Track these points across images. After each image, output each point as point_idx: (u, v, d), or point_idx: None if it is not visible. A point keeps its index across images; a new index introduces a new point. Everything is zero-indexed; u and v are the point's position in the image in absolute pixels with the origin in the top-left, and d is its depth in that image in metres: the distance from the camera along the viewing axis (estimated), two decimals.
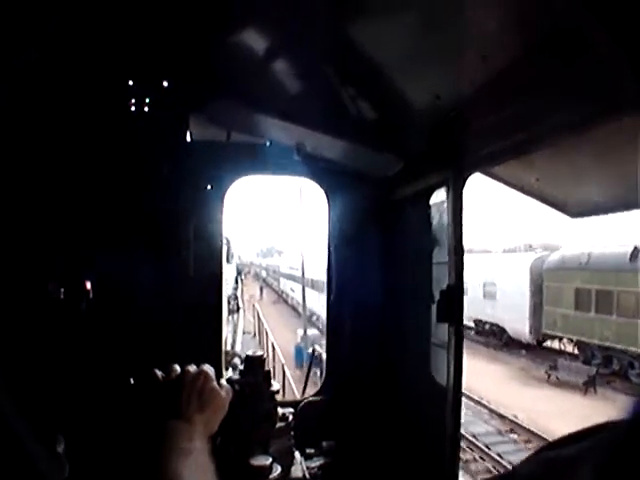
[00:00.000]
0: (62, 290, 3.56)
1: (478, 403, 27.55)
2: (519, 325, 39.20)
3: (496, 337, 42.51)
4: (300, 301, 50.97)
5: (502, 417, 26.10)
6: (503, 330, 41.50)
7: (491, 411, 26.98)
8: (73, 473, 2.69)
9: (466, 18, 2.34)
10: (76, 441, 2.88)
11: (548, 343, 39.77)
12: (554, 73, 2.14)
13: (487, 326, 43.11)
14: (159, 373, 2.02)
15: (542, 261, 38.74)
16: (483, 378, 29.38)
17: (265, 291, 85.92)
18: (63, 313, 3.56)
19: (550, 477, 0.86)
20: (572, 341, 36.66)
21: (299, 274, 49.59)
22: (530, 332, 38.51)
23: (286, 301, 72.85)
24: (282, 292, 79.22)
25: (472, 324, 43.64)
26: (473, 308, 39.00)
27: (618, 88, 1.66)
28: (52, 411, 3.16)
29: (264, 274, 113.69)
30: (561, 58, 2.00)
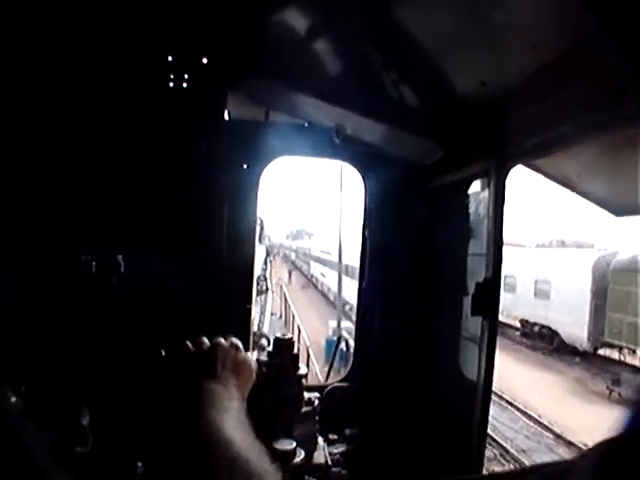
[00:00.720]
0: (94, 263, 3.57)
1: (539, 423, 23.58)
2: (575, 330, 33.45)
3: (545, 341, 37.08)
4: (331, 287, 49.02)
5: (570, 444, 21.27)
6: (555, 334, 36.02)
7: (557, 436, 22.42)
8: (97, 445, 2.71)
9: (518, 5, 2.26)
10: (101, 414, 2.90)
11: (602, 351, 33.85)
12: (604, 66, 2.06)
13: (536, 328, 37.64)
14: (190, 344, 2.09)
15: (607, 260, 33.01)
16: (539, 390, 26.74)
17: (294, 274, 79.73)
18: (94, 286, 3.57)
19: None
20: (634, 352, 31.10)
21: (331, 258, 47.76)
22: (588, 339, 32.84)
23: (316, 286, 67.81)
24: (312, 276, 74.01)
25: (518, 324, 39.49)
26: (521, 307, 36.61)
27: None
28: (78, 384, 3.18)
29: (293, 256, 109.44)
30: (612, 50, 1.92)
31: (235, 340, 2.22)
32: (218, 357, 1.98)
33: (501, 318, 34.10)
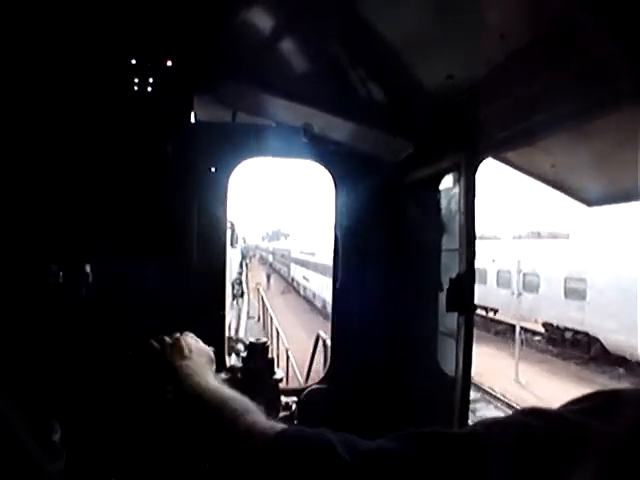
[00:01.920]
0: (61, 274, 3.49)
1: None
2: (622, 336, 26.72)
3: (579, 348, 31.16)
4: (317, 292, 44.56)
5: None
6: (593, 340, 29.99)
7: None
8: (70, 461, 2.65)
9: None
10: (73, 429, 2.83)
11: None
12: (574, 54, 2.05)
13: (568, 334, 31.75)
14: (154, 342, 2.58)
15: None
16: None
17: (273, 278, 72.60)
18: (62, 297, 3.49)
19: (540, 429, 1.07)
20: None
21: (316, 260, 45.08)
22: None
23: (298, 291, 60.92)
24: (293, 280, 67.08)
25: (541, 329, 34.45)
26: (546, 309, 31.82)
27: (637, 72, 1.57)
28: (48, 399, 3.10)
29: (271, 259, 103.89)
30: (581, 38, 1.91)
31: (190, 333, 2.74)
32: (184, 345, 2.46)
33: (520, 322, 31.31)
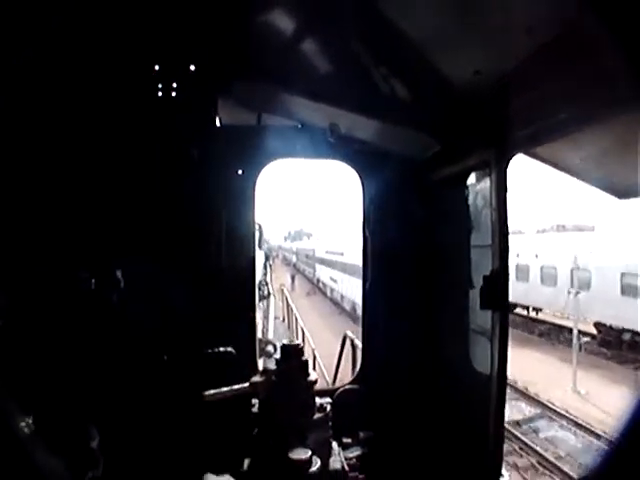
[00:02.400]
0: (93, 280, 3.52)
1: None
2: None
3: (637, 351, 27.11)
4: (346, 294, 41.45)
5: None
6: None
7: None
8: (108, 467, 2.67)
9: None
10: (111, 435, 2.85)
11: None
12: (602, 47, 2.01)
13: (627, 335, 27.77)
14: None
15: None
16: None
17: (297, 279, 66.62)
18: (94, 303, 3.51)
19: None
20: None
21: (344, 259, 42.25)
22: None
23: (324, 293, 55.53)
24: (318, 281, 62.02)
25: (592, 329, 30.08)
26: (600, 308, 27.53)
27: None
28: (86, 406, 3.12)
29: (294, 259, 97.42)
30: (610, 30, 1.87)
31: None
32: None
33: (564, 322, 30.17)
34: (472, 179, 3.57)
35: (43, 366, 3.07)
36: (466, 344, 3.65)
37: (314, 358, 11.80)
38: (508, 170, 2.96)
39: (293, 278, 63.62)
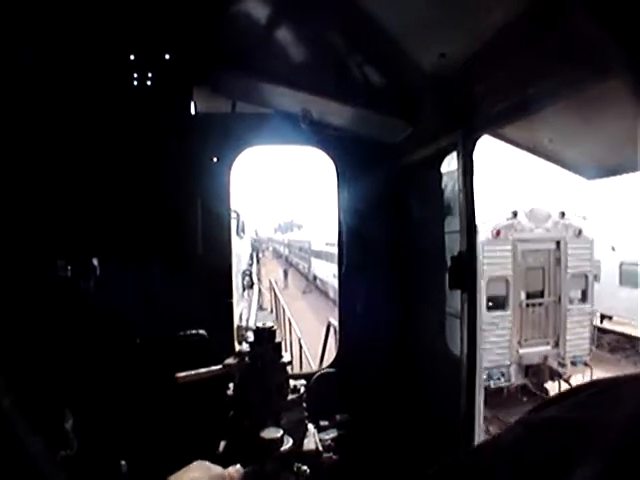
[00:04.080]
0: (69, 267, 3.55)
1: None
2: None
3: None
4: None
5: None
6: None
7: None
8: (82, 448, 2.70)
9: None
10: (84, 416, 2.88)
11: None
12: (562, 24, 2.04)
13: None
14: None
15: None
16: None
17: (290, 274, 59.14)
18: (71, 290, 3.55)
19: (531, 439, 0.94)
20: None
21: None
22: None
23: (324, 292, 44.46)
24: (315, 278, 52.07)
25: None
26: None
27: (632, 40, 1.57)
28: (59, 389, 3.16)
29: (286, 252, 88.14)
30: (570, 7, 1.91)
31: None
32: None
33: (625, 329, 24.71)
34: (445, 166, 3.62)
35: (18, 350, 3.10)
36: (441, 326, 3.70)
37: (300, 347, 11.83)
38: (475, 152, 3.01)
39: (286, 273, 57.48)
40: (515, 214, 16.52)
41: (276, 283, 30.44)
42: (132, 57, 3.59)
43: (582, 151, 3.42)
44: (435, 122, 3.34)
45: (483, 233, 15.73)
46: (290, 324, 14.70)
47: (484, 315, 15.15)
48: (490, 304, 16.09)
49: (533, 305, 17.01)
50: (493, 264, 15.92)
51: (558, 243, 17.01)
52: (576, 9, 1.89)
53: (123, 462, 2.97)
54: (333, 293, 37.80)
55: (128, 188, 3.77)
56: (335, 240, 4.46)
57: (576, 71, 2.14)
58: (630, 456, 0.77)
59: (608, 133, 2.99)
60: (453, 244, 3.39)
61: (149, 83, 3.71)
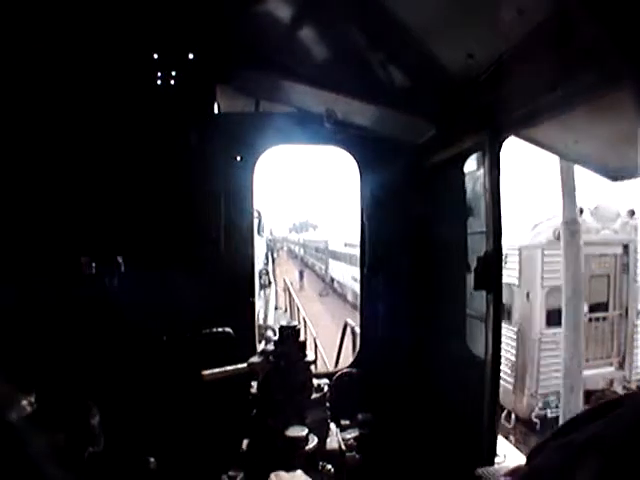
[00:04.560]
0: (94, 265, 3.58)
1: None
2: None
3: None
4: None
5: None
6: None
7: None
8: (109, 444, 2.72)
9: None
10: (112, 413, 2.90)
11: None
12: (589, 27, 2.03)
13: None
14: None
15: None
16: None
17: (306, 276, 55.08)
18: (95, 287, 3.58)
19: (566, 465, 0.84)
20: None
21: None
22: None
23: (343, 295, 42.40)
24: (333, 280, 48.50)
25: None
26: None
27: None
28: (86, 385, 3.19)
29: (301, 252, 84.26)
30: (598, 11, 1.90)
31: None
32: None
33: None
34: (468, 166, 3.61)
35: (45, 347, 3.14)
36: (462, 328, 3.70)
37: (315, 347, 11.81)
38: (502, 153, 3.00)
39: (302, 274, 53.13)
40: (581, 211, 13.04)
41: (291, 284, 27.36)
42: (156, 56, 3.62)
43: (607, 152, 3.39)
44: (461, 122, 3.33)
45: (542, 234, 13.92)
46: (305, 324, 14.72)
47: (543, 333, 13.71)
48: (550, 318, 13.71)
49: (596, 319, 14.41)
50: (554, 270, 13.13)
51: (626, 247, 14.58)
52: (601, 13, 1.88)
53: (152, 459, 3.00)
54: (352, 297, 37.01)
55: (152, 186, 3.80)
56: (354, 241, 4.45)
57: (603, 73, 2.12)
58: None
59: (633, 134, 2.97)
60: (476, 245, 3.38)
61: (172, 82, 3.75)
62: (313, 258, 69.88)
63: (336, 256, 46.96)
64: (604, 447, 0.79)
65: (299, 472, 2.11)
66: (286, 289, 25.35)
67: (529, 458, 1.02)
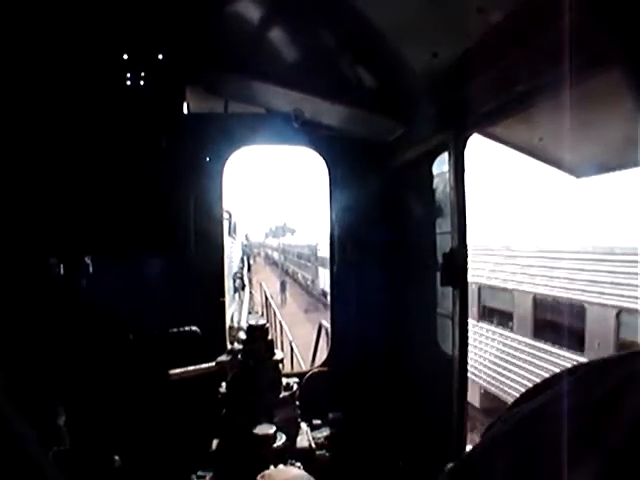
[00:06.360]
0: (62, 265, 3.55)
1: None
2: None
3: None
4: None
5: None
6: None
7: None
8: (75, 443, 2.70)
9: None
10: (77, 412, 2.88)
11: None
12: (549, 24, 2.07)
13: None
14: None
15: None
16: None
17: (288, 287, 46.70)
18: (63, 288, 3.55)
19: (520, 434, 0.88)
20: None
21: None
22: None
23: None
24: (324, 294, 37.02)
25: None
26: None
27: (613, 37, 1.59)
28: (52, 385, 3.16)
29: (281, 259, 71.55)
30: (556, 7, 1.93)
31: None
32: None
33: None
34: (440, 165, 3.64)
35: (11, 348, 3.10)
36: (432, 326, 3.72)
37: (291, 350, 11.78)
38: (466, 151, 3.03)
39: (284, 286, 44.97)
40: None
41: (272, 297, 22.91)
42: (125, 56, 3.61)
43: (571, 149, 3.44)
44: (427, 121, 3.36)
45: None
46: (282, 327, 14.67)
47: None
48: None
49: None
50: None
51: None
52: (564, 7, 1.91)
53: (117, 457, 2.98)
54: None
55: (121, 187, 3.79)
56: None
57: (563, 69, 2.16)
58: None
59: (598, 131, 3.02)
60: (445, 245, 3.41)
61: (142, 83, 3.74)
62: (295, 266, 62.10)
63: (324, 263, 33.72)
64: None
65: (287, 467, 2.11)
66: (266, 305, 21.29)
67: (482, 436, 1.05)
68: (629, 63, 1.57)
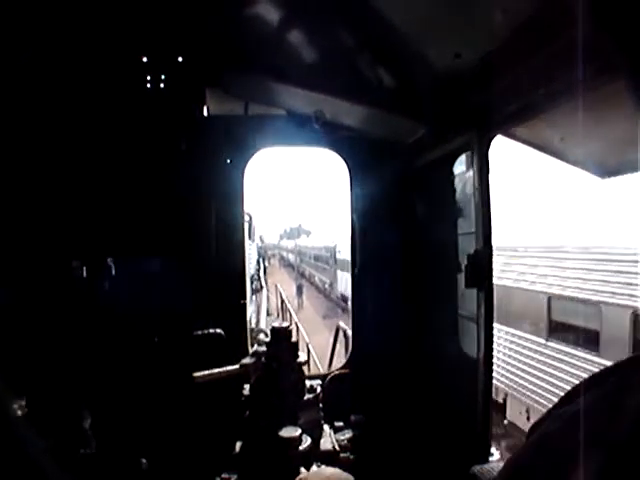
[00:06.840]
0: (84, 268, 3.57)
1: None
2: None
3: None
4: None
5: None
6: None
7: None
8: (101, 446, 2.71)
9: None
10: (104, 415, 2.90)
11: None
12: (576, 24, 2.05)
13: None
14: None
15: None
16: None
17: (305, 290, 43.89)
18: (86, 290, 3.57)
19: (570, 433, 0.82)
20: None
21: None
22: None
23: None
24: (343, 298, 35.59)
25: None
26: None
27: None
28: (78, 388, 3.18)
29: (297, 261, 71.60)
30: (577, 11, 1.91)
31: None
32: None
33: None
34: (461, 165, 3.62)
35: (37, 350, 3.12)
36: (454, 327, 3.70)
37: (308, 352, 11.78)
38: (490, 152, 3.01)
39: (300, 290, 42.54)
40: None
41: (288, 300, 23.60)
42: (145, 59, 3.62)
43: (593, 149, 3.41)
44: (449, 122, 3.34)
45: None
46: (297, 328, 14.69)
47: None
48: None
49: None
50: None
51: None
52: (584, 13, 1.89)
53: (144, 460, 2.99)
54: None
55: (141, 190, 3.80)
56: None
57: (586, 71, 2.13)
58: None
59: (619, 132, 2.99)
60: (467, 246, 3.38)
61: (162, 85, 3.75)
62: (312, 268, 59.01)
63: (348, 267, 24.94)
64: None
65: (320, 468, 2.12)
66: (282, 308, 21.46)
67: (529, 435, 1.04)
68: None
